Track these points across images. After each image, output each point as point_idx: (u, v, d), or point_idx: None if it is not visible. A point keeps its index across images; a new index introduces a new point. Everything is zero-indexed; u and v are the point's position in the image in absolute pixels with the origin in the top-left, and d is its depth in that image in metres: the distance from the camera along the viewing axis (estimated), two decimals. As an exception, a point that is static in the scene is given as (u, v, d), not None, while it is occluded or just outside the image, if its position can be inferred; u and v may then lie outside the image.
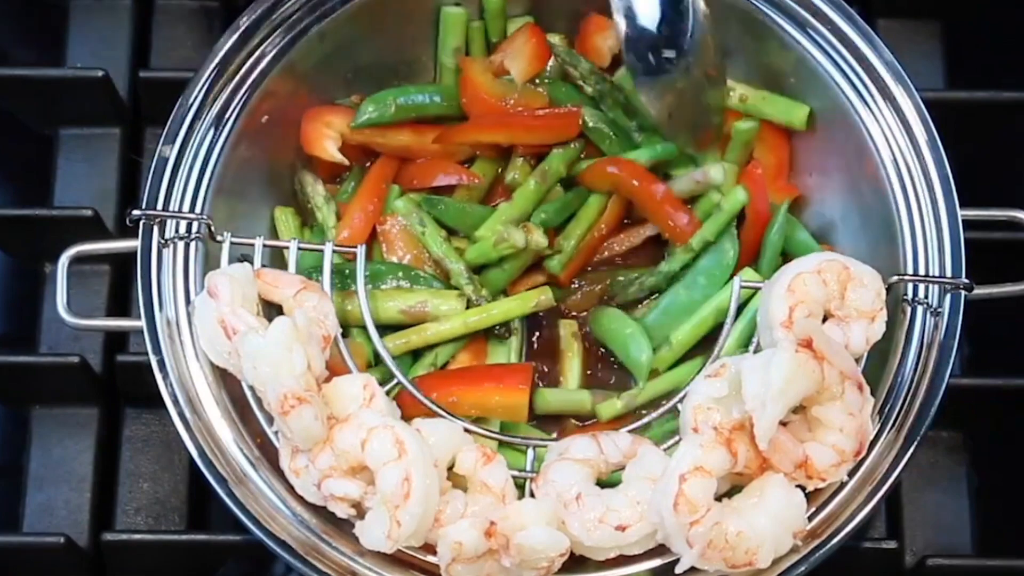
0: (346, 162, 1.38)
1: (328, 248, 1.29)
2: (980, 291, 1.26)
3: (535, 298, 1.35)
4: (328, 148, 1.37)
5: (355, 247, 1.29)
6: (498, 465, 1.20)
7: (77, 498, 1.39)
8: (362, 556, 1.20)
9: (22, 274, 1.51)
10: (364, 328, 1.29)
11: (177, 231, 1.26)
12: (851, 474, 1.21)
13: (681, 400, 1.23)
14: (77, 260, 1.26)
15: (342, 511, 1.18)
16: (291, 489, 1.21)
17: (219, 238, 1.27)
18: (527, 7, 1.43)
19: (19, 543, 1.35)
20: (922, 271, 1.27)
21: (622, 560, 1.20)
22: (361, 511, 1.18)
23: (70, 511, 1.39)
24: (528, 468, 1.25)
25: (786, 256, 1.37)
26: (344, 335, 1.28)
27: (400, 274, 1.36)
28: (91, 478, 1.40)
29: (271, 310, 1.24)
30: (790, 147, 1.41)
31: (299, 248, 1.29)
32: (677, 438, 1.23)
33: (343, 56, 1.38)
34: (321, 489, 1.17)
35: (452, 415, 1.25)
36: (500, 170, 1.42)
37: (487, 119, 1.39)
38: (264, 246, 1.28)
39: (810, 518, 1.19)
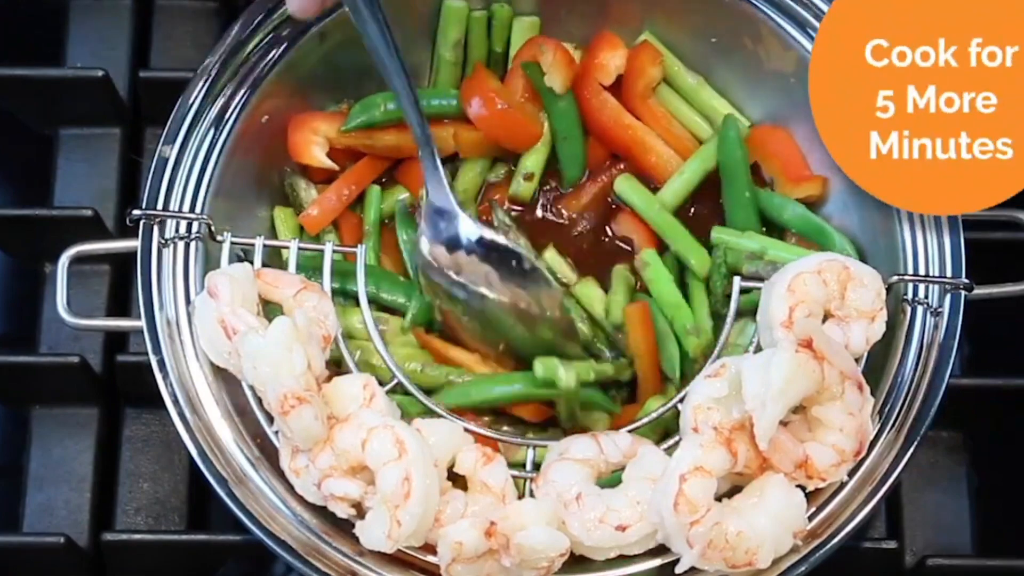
0: (335, 167, 1.38)
1: (328, 248, 1.29)
2: (980, 291, 1.27)
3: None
4: (316, 155, 1.37)
5: (355, 247, 1.30)
6: (498, 465, 1.20)
7: (77, 498, 1.39)
8: (362, 556, 1.20)
9: (22, 274, 1.51)
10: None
11: (177, 231, 1.26)
12: (851, 474, 1.21)
13: (681, 400, 1.23)
14: (77, 260, 1.26)
15: (342, 511, 1.18)
16: (291, 489, 1.21)
17: (219, 238, 1.27)
18: (534, 6, 1.43)
19: (19, 543, 1.35)
20: (922, 271, 1.27)
21: (622, 560, 1.20)
22: (361, 511, 1.18)
23: (70, 511, 1.39)
24: (528, 468, 1.25)
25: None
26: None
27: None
28: (91, 478, 1.40)
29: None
30: (790, 139, 1.41)
31: (299, 248, 1.29)
32: (677, 438, 1.23)
33: (343, 56, 1.38)
34: (321, 489, 1.17)
35: (453, 415, 1.26)
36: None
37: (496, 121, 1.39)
38: (264, 246, 1.28)
39: (810, 518, 1.19)
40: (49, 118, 1.49)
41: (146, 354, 1.23)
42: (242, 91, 1.32)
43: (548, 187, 1.43)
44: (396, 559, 1.20)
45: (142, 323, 1.24)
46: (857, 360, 1.21)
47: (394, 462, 1.15)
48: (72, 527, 1.37)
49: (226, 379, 1.23)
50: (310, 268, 1.29)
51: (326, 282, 1.27)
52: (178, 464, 1.42)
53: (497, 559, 1.16)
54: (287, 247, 1.29)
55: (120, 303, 1.46)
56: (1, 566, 1.36)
